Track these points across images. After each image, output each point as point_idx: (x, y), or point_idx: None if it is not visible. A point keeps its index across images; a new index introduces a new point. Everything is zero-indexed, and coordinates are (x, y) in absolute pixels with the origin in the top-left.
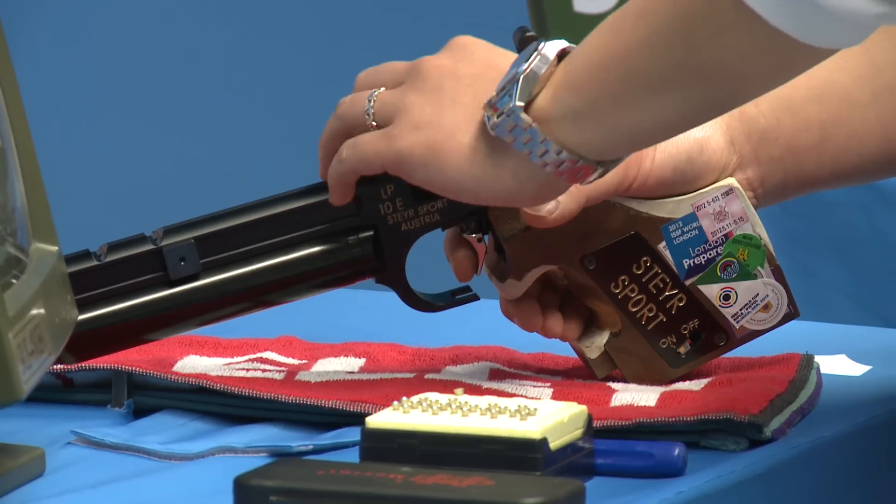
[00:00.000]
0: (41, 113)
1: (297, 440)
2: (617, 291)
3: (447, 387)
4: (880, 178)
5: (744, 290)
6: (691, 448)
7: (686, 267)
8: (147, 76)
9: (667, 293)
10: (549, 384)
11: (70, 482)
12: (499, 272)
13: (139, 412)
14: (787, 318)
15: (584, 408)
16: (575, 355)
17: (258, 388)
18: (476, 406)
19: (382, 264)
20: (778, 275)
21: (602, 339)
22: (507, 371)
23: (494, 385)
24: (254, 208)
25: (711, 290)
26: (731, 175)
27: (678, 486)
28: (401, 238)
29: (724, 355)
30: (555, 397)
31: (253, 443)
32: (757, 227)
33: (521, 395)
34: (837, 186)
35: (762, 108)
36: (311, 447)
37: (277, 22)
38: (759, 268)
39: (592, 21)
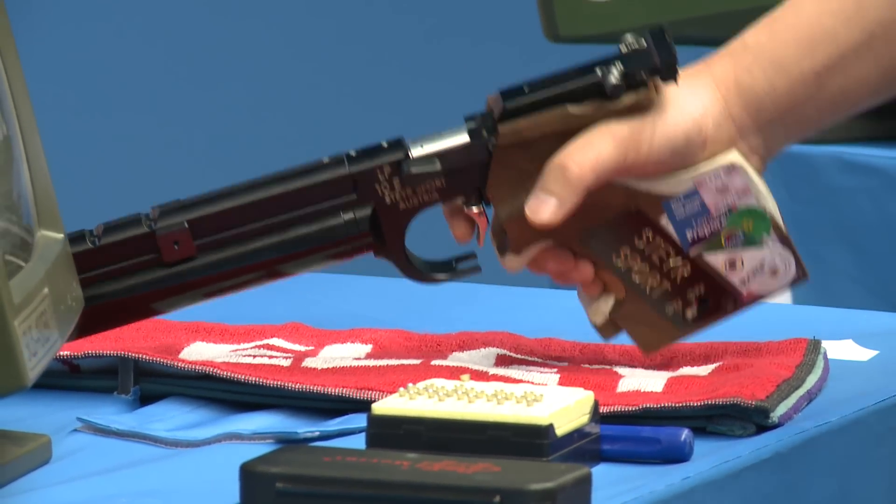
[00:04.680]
0: (42, 100)
1: (303, 427)
2: (619, 264)
3: (453, 373)
4: (890, 95)
5: (750, 257)
6: (698, 433)
7: (689, 239)
8: (146, 64)
9: (671, 263)
10: (555, 370)
11: (76, 469)
12: (500, 244)
13: (146, 399)
14: (795, 282)
15: (590, 394)
16: (585, 340)
17: (264, 376)
18: (482, 392)
19: (381, 240)
20: (785, 241)
21: (606, 305)
22: (514, 357)
23: (501, 371)
24: (248, 189)
25: (717, 259)
26: (732, 147)
27: (685, 471)
28: (399, 215)
29: (730, 339)
30: (561, 383)
31: (259, 429)
32: (761, 198)
33: (528, 382)
34: (845, 117)
35: (756, 75)
36: (317, 434)
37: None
38: (764, 235)
39: (600, 8)
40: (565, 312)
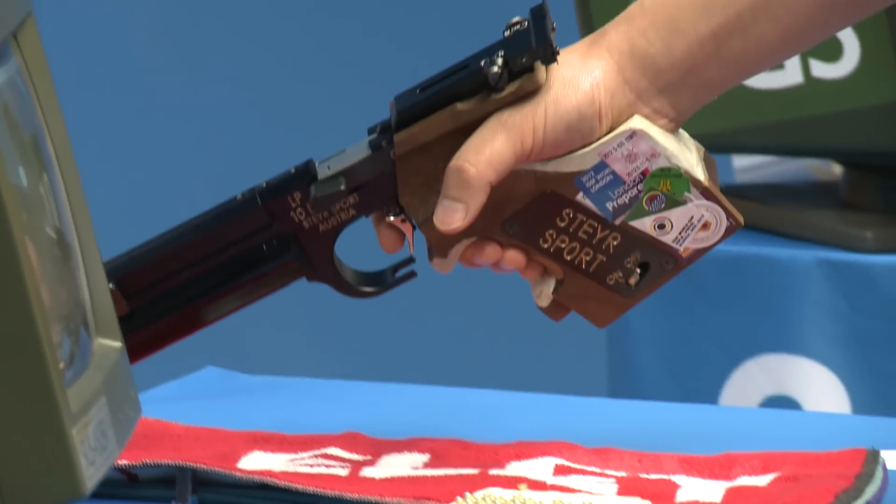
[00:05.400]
0: None
1: None
2: (546, 246)
3: (511, 482)
4: (792, 56)
5: (677, 216)
6: None
7: (611, 209)
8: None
9: (599, 236)
10: (613, 480)
11: None
12: (427, 248)
13: None
14: (729, 231)
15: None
16: (643, 449)
17: (323, 485)
18: (540, 502)
19: (309, 264)
20: (708, 194)
21: (549, 287)
22: (572, 466)
23: (558, 481)
24: (170, 239)
25: (644, 223)
26: (634, 113)
27: None
28: (321, 238)
29: (788, 449)
30: (620, 493)
31: None
32: (672, 158)
33: (586, 491)
34: (752, 76)
35: (651, 38)
36: None
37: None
38: (686, 193)
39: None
40: (622, 422)
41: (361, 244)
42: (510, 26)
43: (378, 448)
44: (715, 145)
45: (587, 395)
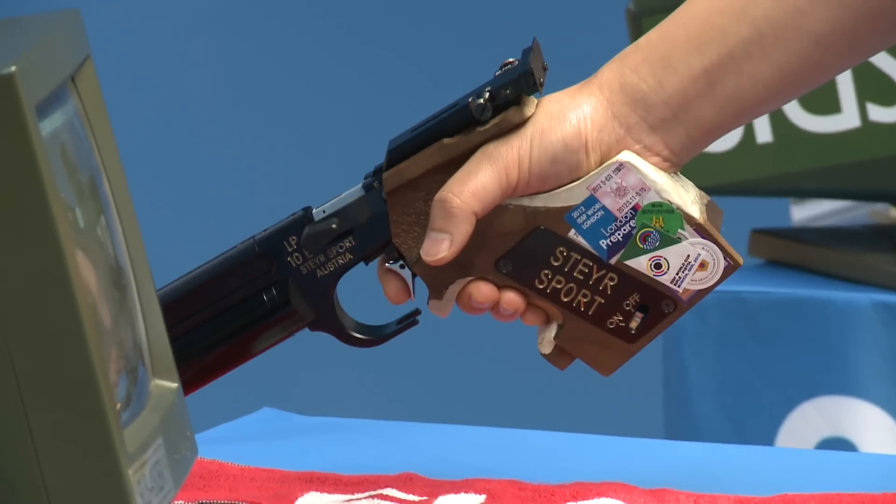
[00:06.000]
0: None
1: None
2: (542, 287)
3: None
4: (792, 98)
5: (673, 254)
6: None
7: (605, 247)
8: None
9: (595, 276)
10: None
11: None
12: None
13: None
14: (728, 272)
15: None
16: (699, 491)
17: None
18: None
19: (309, 312)
20: (703, 232)
21: (550, 332)
22: None
23: None
24: (171, 291)
25: (640, 262)
26: (624, 148)
27: None
28: (319, 284)
29: (844, 491)
30: None
31: None
32: (663, 192)
33: None
34: (749, 120)
35: (643, 73)
36: None
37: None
38: (679, 231)
39: (721, 160)
40: (679, 463)
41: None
42: (503, 66)
43: (434, 489)
44: (772, 189)
45: (643, 437)
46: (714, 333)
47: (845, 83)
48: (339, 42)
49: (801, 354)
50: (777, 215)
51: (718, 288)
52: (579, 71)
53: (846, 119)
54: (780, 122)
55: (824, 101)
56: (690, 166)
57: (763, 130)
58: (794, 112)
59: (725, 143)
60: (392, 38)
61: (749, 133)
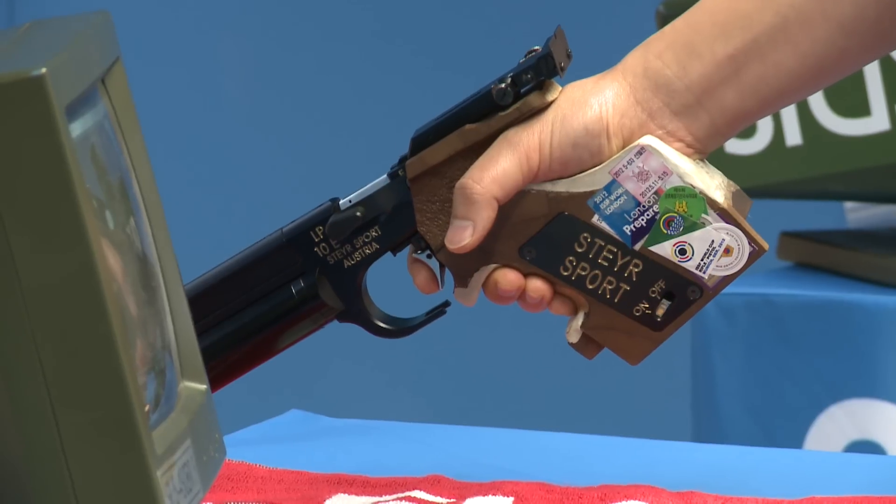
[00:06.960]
0: None
1: None
2: (567, 273)
3: None
4: (816, 90)
5: (697, 240)
6: None
7: (629, 233)
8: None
9: (620, 262)
10: None
11: None
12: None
13: None
14: (753, 257)
15: None
16: (727, 494)
17: None
18: None
19: (338, 303)
20: (727, 217)
21: (577, 321)
22: None
23: None
24: (198, 284)
25: (664, 248)
26: (646, 133)
27: None
28: (346, 274)
29: (871, 494)
30: None
31: None
32: (686, 177)
33: None
34: (774, 111)
35: (667, 59)
36: None
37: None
38: (703, 216)
39: (747, 162)
40: (706, 466)
41: (410, 294)
42: (528, 54)
43: (462, 491)
44: (801, 192)
45: (671, 439)
46: (742, 336)
47: (875, 86)
48: (367, 39)
49: (829, 357)
50: (806, 218)
51: (746, 290)
52: (606, 67)
53: (876, 122)
54: (810, 125)
55: (854, 104)
56: (719, 169)
57: (792, 133)
58: (824, 114)
59: (755, 145)
60: (421, 36)
61: (778, 135)
